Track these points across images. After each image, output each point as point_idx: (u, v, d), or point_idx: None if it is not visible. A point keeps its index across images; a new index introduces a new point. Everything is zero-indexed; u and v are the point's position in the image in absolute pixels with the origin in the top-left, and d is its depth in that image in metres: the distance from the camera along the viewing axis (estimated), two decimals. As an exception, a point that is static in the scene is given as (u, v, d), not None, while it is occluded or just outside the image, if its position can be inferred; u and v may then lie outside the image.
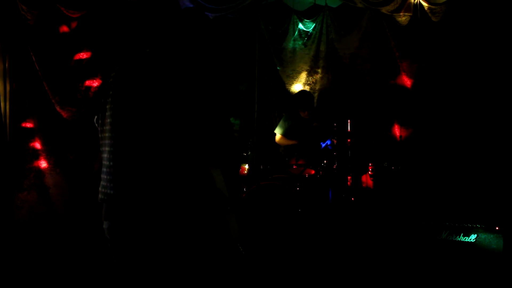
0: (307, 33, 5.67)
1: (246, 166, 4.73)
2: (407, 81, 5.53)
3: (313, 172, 4.82)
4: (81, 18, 4.75)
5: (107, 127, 1.74)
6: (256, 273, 3.71)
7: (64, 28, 4.78)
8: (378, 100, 5.58)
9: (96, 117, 1.84)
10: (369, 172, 5.01)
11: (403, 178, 4.95)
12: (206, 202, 1.73)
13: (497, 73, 5.01)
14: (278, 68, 5.72)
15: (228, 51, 5.52)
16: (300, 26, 5.65)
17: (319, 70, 5.73)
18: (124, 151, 1.67)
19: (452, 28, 5.26)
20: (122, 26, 4.74)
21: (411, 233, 4.06)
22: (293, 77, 5.75)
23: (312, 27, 5.66)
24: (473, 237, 3.78)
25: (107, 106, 1.75)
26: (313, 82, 5.74)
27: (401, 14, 5.41)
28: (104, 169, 1.73)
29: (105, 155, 1.74)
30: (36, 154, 4.66)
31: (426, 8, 5.32)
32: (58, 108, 4.70)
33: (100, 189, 1.74)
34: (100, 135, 1.79)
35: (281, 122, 5.27)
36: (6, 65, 4.52)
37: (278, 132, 5.25)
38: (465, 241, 3.80)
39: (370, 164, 5.01)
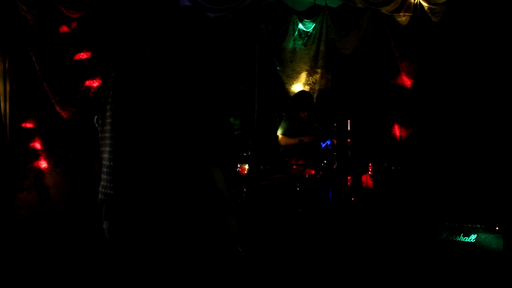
0: (307, 33, 5.67)
1: (246, 166, 4.72)
2: (407, 81, 5.53)
3: (313, 172, 4.82)
4: (81, 18, 4.76)
5: (107, 127, 1.74)
6: (255, 273, 3.71)
7: (64, 28, 4.78)
8: (378, 100, 5.58)
9: (96, 117, 1.84)
10: (369, 172, 5.00)
11: (403, 178, 4.94)
12: (206, 203, 1.74)
13: (497, 73, 5.01)
14: (278, 68, 5.72)
15: (228, 51, 5.53)
16: (300, 26, 5.65)
17: (319, 70, 5.73)
18: (124, 151, 1.67)
19: (452, 28, 5.25)
20: (122, 26, 4.74)
21: (411, 233, 4.06)
22: (293, 77, 5.75)
23: (312, 27, 5.66)
24: (473, 237, 3.78)
25: (107, 106, 1.75)
26: (313, 82, 5.74)
27: (401, 14, 5.41)
28: (104, 169, 1.73)
29: (105, 155, 1.74)
30: (36, 154, 4.67)
31: (426, 8, 5.32)
32: (58, 108, 4.70)
33: (100, 189, 1.74)
34: (100, 135, 1.80)
35: (282, 123, 5.29)
36: (6, 65, 4.53)
37: (279, 133, 5.26)
38: (465, 241, 3.80)
39: (370, 164, 5.01)
